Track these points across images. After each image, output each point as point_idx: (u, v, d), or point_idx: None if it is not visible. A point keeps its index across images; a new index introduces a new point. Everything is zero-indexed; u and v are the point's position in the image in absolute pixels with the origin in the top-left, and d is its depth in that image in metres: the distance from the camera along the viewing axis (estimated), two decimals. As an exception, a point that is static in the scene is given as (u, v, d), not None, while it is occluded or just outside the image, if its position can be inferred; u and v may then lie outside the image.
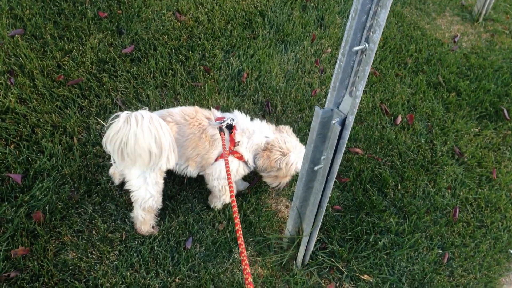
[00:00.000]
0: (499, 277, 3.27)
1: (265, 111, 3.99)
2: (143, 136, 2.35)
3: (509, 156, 4.16)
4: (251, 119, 3.04)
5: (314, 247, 3.03)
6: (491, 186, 3.83)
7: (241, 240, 1.90)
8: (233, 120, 2.86)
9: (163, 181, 2.80)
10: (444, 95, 4.61)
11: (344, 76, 2.17)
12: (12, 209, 2.80)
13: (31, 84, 3.53)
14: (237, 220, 2.04)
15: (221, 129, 2.80)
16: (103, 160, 3.21)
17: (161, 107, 3.68)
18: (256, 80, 4.20)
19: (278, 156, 2.91)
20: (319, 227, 2.82)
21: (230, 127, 2.84)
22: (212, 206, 3.14)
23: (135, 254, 2.81)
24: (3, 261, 2.58)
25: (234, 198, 2.23)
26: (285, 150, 2.92)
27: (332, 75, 4.41)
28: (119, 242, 2.85)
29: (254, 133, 2.93)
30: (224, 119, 2.83)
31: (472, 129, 4.32)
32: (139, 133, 2.34)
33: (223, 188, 2.98)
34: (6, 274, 2.54)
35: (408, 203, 3.51)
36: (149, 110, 3.56)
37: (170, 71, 4.01)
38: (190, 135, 2.77)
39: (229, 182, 2.40)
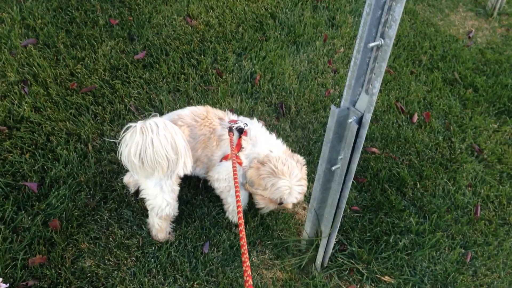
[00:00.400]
0: (524, 276, 3.19)
1: (279, 113, 3.96)
2: (161, 144, 2.32)
3: (530, 152, 4.07)
4: (270, 132, 2.92)
5: (333, 249, 2.97)
6: (513, 183, 3.74)
7: (244, 249, 1.84)
8: (246, 125, 2.78)
9: (179, 188, 2.78)
10: (460, 92, 4.53)
11: (360, 73, 2.13)
12: (29, 218, 2.80)
13: (45, 92, 3.54)
14: (242, 227, 1.95)
15: (230, 130, 2.72)
16: (118, 167, 3.20)
17: (175, 112, 3.67)
18: (269, 82, 4.18)
19: (267, 173, 2.68)
20: (337, 228, 2.77)
21: (241, 131, 2.76)
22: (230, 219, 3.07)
23: (152, 260, 2.79)
24: (21, 270, 2.58)
25: (240, 204, 2.15)
26: (279, 172, 2.67)
27: (345, 75, 4.38)
28: (136, 248, 2.83)
29: (260, 143, 2.79)
30: (238, 122, 2.78)
31: (490, 125, 4.24)
32: (156, 141, 2.31)
33: (225, 189, 2.88)
34: (24, 283, 2.53)
35: (428, 202, 3.44)
36: (162, 115, 3.59)
37: (182, 75, 4.00)
38: (201, 136, 2.75)
39: (236, 185, 2.32)
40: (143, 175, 2.50)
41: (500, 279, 3.11)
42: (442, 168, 3.73)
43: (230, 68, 4.19)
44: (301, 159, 2.84)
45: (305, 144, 3.71)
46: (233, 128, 2.73)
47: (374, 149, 3.78)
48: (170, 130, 2.38)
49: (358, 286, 2.93)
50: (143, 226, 2.93)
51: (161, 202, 2.69)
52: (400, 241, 3.15)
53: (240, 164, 2.76)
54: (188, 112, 2.80)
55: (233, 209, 2.97)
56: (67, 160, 3.14)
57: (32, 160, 3.09)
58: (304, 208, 3.29)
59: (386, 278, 2.97)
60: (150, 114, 3.54)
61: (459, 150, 3.91)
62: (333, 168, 2.48)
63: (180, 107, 3.70)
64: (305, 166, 2.86)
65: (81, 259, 2.72)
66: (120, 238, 2.85)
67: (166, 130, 2.36)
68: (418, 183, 3.58)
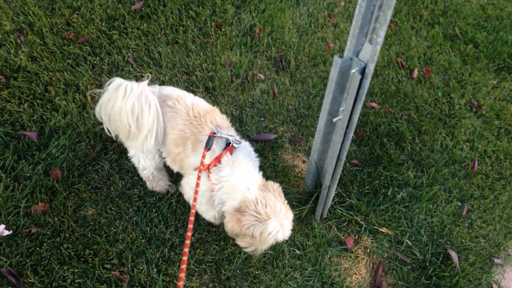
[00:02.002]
0: (518, 228, 3.26)
1: (279, 67, 3.92)
2: (125, 111, 2.24)
3: (529, 108, 4.08)
4: (254, 159, 2.46)
5: (332, 201, 3.01)
6: (510, 138, 3.76)
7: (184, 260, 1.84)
8: (239, 143, 2.38)
9: (160, 159, 2.66)
10: (461, 48, 4.49)
11: (364, 22, 2.09)
12: (30, 167, 2.79)
13: (41, 42, 3.47)
14: (188, 241, 1.91)
15: (210, 138, 2.33)
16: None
17: (174, 65, 3.62)
18: (269, 35, 4.11)
19: (251, 222, 2.22)
20: (337, 180, 2.79)
21: (228, 145, 2.37)
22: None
23: (153, 209, 2.81)
24: (23, 218, 2.60)
25: (192, 219, 2.02)
26: (263, 216, 2.21)
27: (345, 29, 4.32)
28: (137, 198, 2.84)
29: (239, 174, 2.31)
30: (231, 136, 2.40)
31: (490, 82, 4.23)
32: (122, 107, 2.24)
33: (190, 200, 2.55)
34: (27, 230, 2.55)
35: (426, 157, 3.46)
36: (162, 68, 3.54)
37: (181, 27, 3.92)
38: (179, 132, 2.40)
39: (194, 200, 2.14)
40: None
41: (496, 231, 3.17)
42: (440, 123, 3.74)
43: (229, 20, 4.11)
44: (276, 187, 2.38)
45: (305, 99, 3.69)
46: (219, 135, 2.37)
47: (373, 104, 3.77)
48: (142, 102, 2.25)
49: (356, 237, 2.98)
50: (144, 176, 2.94)
51: (139, 165, 2.67)
52: (398, 194, 3.18)
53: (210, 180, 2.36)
54: (189, 102, 2.45)
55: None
56: (66, 111, 3.11)
57: (31, 110, 3.06)
58: (304, 161, 3.31)
59: (384, 230, 3.03)
60: (149, 71, 3.50)
61: (458, 105, 3.92)
62: (335, 119, 2.47)
63: (179, 60, 3.65)
64: (280, 188, 2.42)
65: (83, 208, 2.74)
66: (121, 188, 2.86)
67: (138, 100, 2.24)
68: (416, 137, 3.59)
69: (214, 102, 3.47)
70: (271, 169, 3.17)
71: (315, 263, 2.79)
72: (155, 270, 2.57)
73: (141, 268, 2.56)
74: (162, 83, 3.47)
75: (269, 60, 3.95)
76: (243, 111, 3.46)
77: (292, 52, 4.03)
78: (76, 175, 2.85)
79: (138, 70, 3.52)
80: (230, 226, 2.31)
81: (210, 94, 3.53)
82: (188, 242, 1.91)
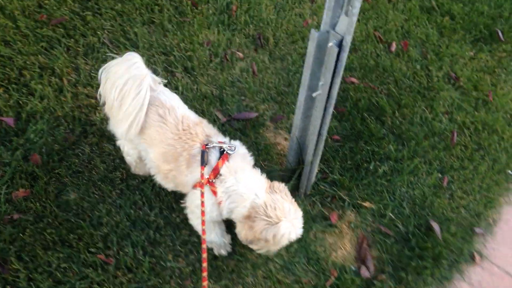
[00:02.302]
0: (498, 198, 3.33)
1: (257, 44, 3.88)
2: (117, 83, 2.22)
3: (505, 78, 4.14)
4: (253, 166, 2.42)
5: (315, 177, 3.03)
6: (488, 109, 3.83)
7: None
8: (234, 148, 2.30)
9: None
10: (437, 20, 4.51)
11: (340, -6, 2.08)
12: (8, 152, 2.74)
13: (14, 25, 3.37)
14: (205, 274, 1.95)
15: (203, 153, 2.24)
16: (96, 101, 3.12)
17: (151, 45, 3.56)
18: (246, 13, 4.06)
19: (263, 226, 2.21)
20: (319, 156, 2.81)
21: (222, 152, 2.29)
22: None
23: (137, 192, 2.79)
24: (4, 204, 2.55)
25: (205, 246, 2.01)
26: (274, 219, 2.19)
27: (323, 4, 4.27)
28: (120, 181, 2.82)
29: (245, 181, 2.25)
30: (224, 143, 2.32)
31: (467, 53, 4.27)
32: (117, 78, 2.22)
33: (197, 226, 2.50)
34: (9, 216, 2.52)
35: (406, 130, 3.50)
36: (139, 49, 3.49)
37: (156, 6, 3.85)
38: (169, 147, 2.29)
39: (202, 214, 2.13)
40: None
41: (476, 201, 3.24)
42: (419, 96, 3.78)
43: (205, -2, 4.05)
44: (282, 187, 2.36)
45: (285, 76, 3.68)
46: (211, 145, 2.27)
47: (353, 79, 3.78)
48: (133, 86, 2.21)
49: (340, 212, 3.01)
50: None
51: (123, 149, 2.64)
52: (380, 168, 3.22)
53: (215, 194, 2.27)
54: (180, 112, 2.35)
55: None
56: (43, 95, 3.04)
57: (7, 95, 2.99)
58: (286, 139, 3.31)
59: (367, 204, 3.06)
60: (126, 48, 3.44)
61: (436, 78, 3.95)
62: (314, 94, 2.46)
63: (156, 40, 3.59)
64: (286, 188, 2.39)
65: (65, 193, 2.70)
66: (103, 172, 2.83)
67: (132, 80, 2.21)
68: (396, 111, 3.62)
69: (194, 82, 3.43)
70: (253, 147, 3.16)
71: (300, 240, 2.81)
72: (141, 252, 2.56)
73: (127, 250, 2.55)
74: (140, 64, 3.41)
75: (247, 38, 3.91)
76: (223, 90, 3.44)
77: (270, 29, 4.00)
78: (56, 159, 2.80)
79: (115, 51, 3.45)
80: (244, 235, 2.30)
81: (189, 74, 3.48)
82: (205, 274, 1.93)
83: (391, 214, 3.02)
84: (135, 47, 3.53)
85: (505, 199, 3.35)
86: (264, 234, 2.21)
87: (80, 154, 2.88)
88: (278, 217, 2.19)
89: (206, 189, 2.24)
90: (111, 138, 2.97)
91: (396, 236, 2.95)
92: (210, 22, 3.89)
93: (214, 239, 2.54)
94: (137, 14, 3.76)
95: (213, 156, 2.26)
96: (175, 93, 2.46)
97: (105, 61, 3.33)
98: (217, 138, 2.37)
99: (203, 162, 2.21)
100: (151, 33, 3.69)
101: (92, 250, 2.52)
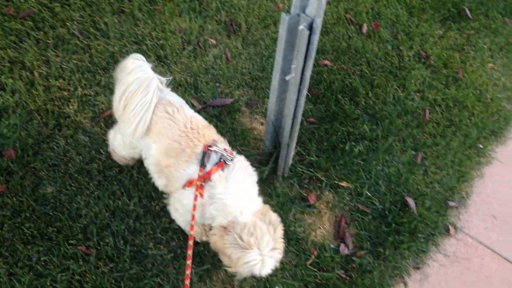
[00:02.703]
0: (470, 171, 3.42)
1: (230, 30, 3.88)
2: (125, 84, 2.21)
3: (474, 55, 4.23)
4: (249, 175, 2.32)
5: (292, 160, 3.07)
6: (458, 86, 3.91)
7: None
8: (232, 159, 2.24)
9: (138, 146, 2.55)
10: (407, 0, 4.57)
11: (308, -23, 2.10)
12: (-19, 149, 2.71)
13: (-21, 19, 3.30)
14: (188, 272, 1.93)
15: (205, 154, 2.21)
16: (69, 93, 3.09)
17: (122, 35, 3.52)
18: (217, -1, 4.05)
19: (231, 244, 2.11)
20: (295, 138, 2.84)
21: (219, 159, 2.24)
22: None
23: (115, 182, 2.78)
24: (-21, 201, 2.53)
25: (191, 243, 1.98)
26: (244, 244, 2.07)
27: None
28: (97, 173, 2.80)
29: (234, 194, 2.18)
30: (226, 152, 2.26)
31: (436, 32, 4.34)
32: (124, 79, 2.22)
33: (182, 223, 2.49)
34: (-15, 213, 2.49)
35: (380, 110, 3.56)
36: (110, 39, 3.45)
37: (126, -5, 3.81)
38: (174, 143, 2.26)
39: (191, 229, 2.08)
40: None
41: (449, 176, 3.32)
42: (391, 76, 3.83)
43: (175, -14, 4.01)
44: (274, 219, 2.22)
45: (258, 61, 3.69)
46: (214, 149, 2.24)
47: (326, 62, 3.81)
48: (141, 88, 2.19)
49: (318, 193, 3.06)
50: (101, 150, 2.89)
51: (113, 141, 2.62)
52: (355, 148, 3.27)
53: (201, 196, 2.21)
54: (187, 113, 2.33)
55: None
56: (14, 89, 3.00)
57: (-25, 91, 2.94)
58: (262, 123, 3.33)
59: (344, 184, 3.12)
60: (96, 43, 3.40)
61: (407, 57, 4.01)
62: (287, 77, 2.49)
63: (127, 30, 3.56)
64: (281, 225, 2.26)
65: (41, 186, 2.68)
66: (79, 164, 2.81)
67: (138, 82, 2.19)
68: (370, 92, 3.67)
69: (167, 70, 3.42)
70: (230, 133, 3.18)
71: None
72: (121, 241, 2.57)
73: (107, 241, 2.55)
74: (112, 54, 3.38)
75: (219, 24, 3.90)
76: (198, 78, 3.44)
77: (242, 15, 4.00)
78: (30, 154, 2.77)
79: (85, 42, 3.41)
80: (213, 240, 2.22)
81: (163, 63, 3.47)
82: (188, 272, 1.92)
83: (367, 192, 3.08)
84: (106, 37, 3.49)
85: (477, 172, 3.45)
86: (230, 251, 2.11)
87: (55, 147, 2.85)
88: (250, 245, 2.06)
89: (192, 190, 2.21)
90: (86, 130, 2.96)
91: (373, 213, 3.02)
92: (181, 10, 3.87)
93: (197, 229, 2.56)
94: (107, 4, 3.72)
95: (211, 161, 2.22)
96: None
97: (76, 52, 3.33)
98: (223, 146, 2.32)
99: (203, 163, 2.19)
100: (121, 22, 3.65)
101: (72, 242, 2.51)
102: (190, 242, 2.02)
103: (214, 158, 2.23)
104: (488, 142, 3.64)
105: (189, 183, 2.22)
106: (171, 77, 2.45)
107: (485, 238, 3.08)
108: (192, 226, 2.08)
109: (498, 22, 4.63)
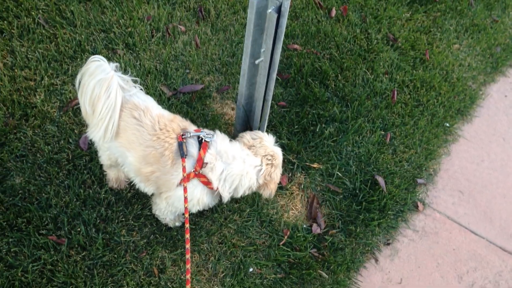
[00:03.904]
0: (437, 149, 3.51)
1: (199, 17, 3.86)
2: (85, 90, 2.15)
3: (440, 37, 4.30)
4: (230, 140, 2.39)
5: (263, 143, 3.08)
6: (425, 67, 3.98)
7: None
8: (211, 136, 2.29)
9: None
10: (375, -16, 4.62)
11: (275, -41, 2.11)
12: None
13: None
14: (188, 256, 1.97)
15: (181, 144, 2.21)
16: (35, 83, 3.05)
17: (89, 23, 3.48)
18: (185, -14, 4.02)
19: (278, 172, 2.43)
20: (266, 121, 2.86)
21: (200, 142, 2.27)
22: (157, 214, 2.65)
23: (85, 171, 2.76)
24: None
25: (188, 247, 2.00)
26: (275, 161, 2.39)
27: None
28: (66, 162, 2.78)
29: (235, 160, 2.28)
30: (201, 132, 2.29)
31: (404, 15, 4.40)
32: (85, 84, 2.16)
33: (169, 214, 2.54)
34: (-48, 206, 2.45)
35: (349, 92, 3.60)
36: (76, 27, 3.41)
37: (91, -17, 3.75)
38: (150, 148, 2.22)
39: (185, 211, 2.12)
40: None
41: (417, 154, 3.40)
42: (360, 59, 3.88)
43: (142, -27, 3.97)
44: (248, 136, 2.44)
45: (228, 47, 3.68)
46: (188, 135, 2.25)
47: (296, 46, 3.83)
48: (102, 90, 2.13)
49: (290, 175, 3.09)
50: (70, 139, 2.86)
51: (99, 152, 2.55)
52: (326, 130, 3.31)
53: (207, 184, 2.27)
54: (154, 113, 2.27)
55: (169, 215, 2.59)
56: (-23, 80, 2.95)
57: None
58: (233, 108, 3.34)
59: (315, 165, 3.16)
60: (63, 27, 3.35)
61: (376, 40, 4.06)
62: (257, 61, 2.50)
63: (94, 18, 3.51)
64: (249, 132, 2.48)
65: (9, 178, 2.65)
66: (48, 154, 2.78)
67: (99, 85, 2.13)
68: (339, 74, 3.71)
69: (136, 58, 3.39)
70: (200, 119, 3.18)
71: (252, 204, 2.88)
72: (93, 230, 2.56)
73: (79, 229, 2.54)
74: (79, 43, 3.34)
75: (188, 11, 3.88)
76: (167, 65, 3.42)
77: (211, 1, 3.98)
78: (-3, 145, 2.74)
79: (51, 31, 3.36)
80: (273, 190, 2.43)
81: (131, 51, 3.44)
82: (188, 276, 1.94)
83: (338, 173, 3.13)
84: (73, 26, 3.44)
85: (444, 150, 3.54)
86: (279, 173, 2.44)
87: (22, 137, 2.81)
88: (275, 157, 2.39)
89: (196, 182, 2.24)
90: (54, 120, 2.93)
91: (344, 193, 3.07)
92: (149, -3, 3.84)
93: (171, 217, 2.57)
94: (72, -7, 3.66)
95: (194, 147, 2.24)
96: (120, 71, 2.38)
97: (41, 41, 3.28)
98: (192, 128, 2.34)
99: (183, 154, 2.18)
100: (88, 10, 3.60)
101: (43, 232, 2.50)
102: (187, 225, 2.06)
103: (194, 143, 2.25)
104: (454, 120, 3.73)
105: (185, 179, 2.20)
106: (137, 80, 2.37)
107: (452, 213, 3.17)
108: (186, 218, 2.10)
109: (463, 3, 4.72)
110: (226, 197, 2.34)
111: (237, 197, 2.42)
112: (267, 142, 2.40)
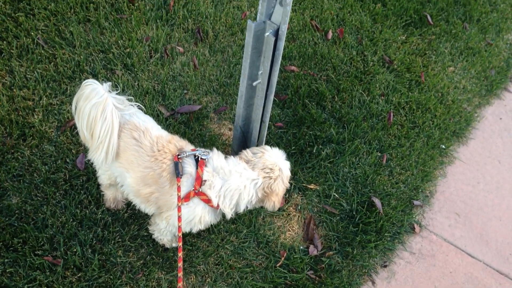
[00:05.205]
0: (433, 171, 3.52)
1: (197, 38, 3.91)
2: (82, 115, 2.18)
3: (435, 59, 4.36)
4: (225, 157, 2.40)
5: (260, 163, 3.09)
6: (421, 89, 4.02)
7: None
8: (207, 153, 2.32)
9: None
10: (370, 7, 4.68)
11: (273, -15, 2.15)
12: None
13: None
14: (180, 274, 1.99)
15: (177, 164, 2.23)
16: (33, 103, 3.06)
17: (88, 44, 3.51)
18: (184, 7, 4.07)
19: (281, 185, 2.38)
20: (264, 142, 2.88)
21: (197, 160, 2.29)
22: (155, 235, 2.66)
23: (82, 191, 2.76)
24: None
25: (180, 254, 2.02)
26: (276, 173, 2.34)
27: (260, -4, 4.36)
28: (63, 182, 2.78)
29: (231, 174, 2.29)
30: (197, 150, 2.32)
31: (399, 37, 4.46)
32: (81, 109, 2.18)
33: (168, 234, 2.55)
34: None
35: (346, 113, 3.63)
36: (75, 48, 3.43)
37: (91, 4, 3.79)
38: (148, 169, 2.24)
39: (179, 230, 2.11)
40: None
41: (413, 175, 3.41)
42: (357, 81, 3.92)
43: (141, -6, 4.02)
44: (247, 153, 2.42)
45: (226, 68, 3.72)
46: (184, 155, 2.27)
47: (293, 67, 3.87)
48: (98, 113, 2.15)
49: (287, 195, 3.09)
50: (67, 159, 2.87)
51: (99, 172, 2.56)
52: (323, 151, 3.33)
53: (208, 202, 2.27)
54: (153, 134, 2.30)
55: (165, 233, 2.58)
56: (-24, 100, 2.96)
57: None
58: (230, 129, 3.36)
59: (312, 186, 3.17)
60: (62, 47, 3.38)
61: (372, 62, 4.11)
62: (255, 83, 2.54)
63: (93, 38, 3.54)
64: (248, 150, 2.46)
65: (6, 197, 2.64)
66: (45, 174, 2.78)
67: (94, 109, 2.14)
68: (336, 96, 3.75)
69: (135, 78, 3.42)
70: (198, 139, 3.20)
71: (249, 225, 2.88)
72: (89, 250, 2.55)
73: (75, 250, 2.53)
74: (78, 63, 3.36)
75: (186, 32, 3.93)
76: (165, 85, 3.44)
77: (209, 23, 4.03)
78: (-6, 165, 2.73)
79: (50, 51, 3.38)
80: (277, 203, 2.39)
81: (130, 71, 3.47)
82: (180, 284, 1.95)
83: (335, 194, 3.14)
84: (72, 46, 3.47)
85: (440, 172, 3.55)
86: (282, 186, 2.38)
87: (19, 157, 2.81)
88: (275, 169, 2.33)
89: (197, 200, 2.26)
90: (51, 139, 2.93)
91: (341, 214, 3.07)
92: (148, 18, 3.88)
93: (169, 237, 2.57)
94: (72, 13, 3.70)
95: (191, 166, 2.26)
96: (115, 90, 2.41)
97: (40, 62, 3.30)
98: (189, 147, 2.37)
99: (178, 174, 2.20)
100: (87, 31, 3.64)
101: (39, 252, 2.48)
102: (180, 244, 2.06)
103: (191, 162, 2.26)
104: (450, 142, 3.76)
105: (186, 198, 2.23)
106: (131, 98, 2.38)
107: (449, 235, 3.17)
108: (180, 237, 2.09)
109: (458, 27, 4.79)
110: (228, 213, 2.34)
111: (239, 212, 2.41)
112: (268, 155, 2.37)
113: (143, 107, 2.46)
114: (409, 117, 3.77)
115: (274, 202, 2.37)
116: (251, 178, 2.30)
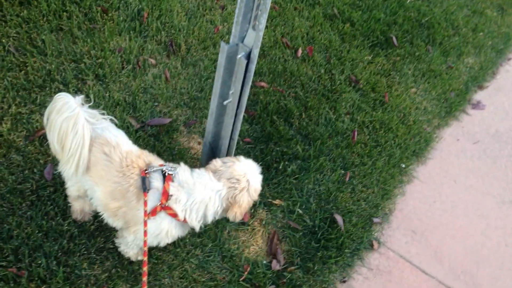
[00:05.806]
0: (393, 189, 3.68)
1: (169, 51, 3.96)
2: (53, 128, 2.20)
3: (399, 80, 4.55)
4: (192, 170, 2.42)
5: (228, 178, 3.17)
6: (384, 109, 4.19)
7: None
8: (174, 169, 2.34)
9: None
10: (339, 26, 4.84)
11: (247, 10, 2.24)
12: None
13: None
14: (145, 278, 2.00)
15: (144, 179, 2.25)
16: (2, 111, 3.06)
17: (60, 52, 3.52)
18: (158, 19, 4.12)
19: (246, 196, 2.38)
20: (231, 158, 2.95)
21: (164, 176, 2.31)
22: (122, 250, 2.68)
23: (49, 202, 2.77)
24: None
25: (145, 269, 2.03)
26: (242, 184, 2.35)
27: (233, 11, 4.44)
28: (30, 193, 2.78)
29: (198, 188, 2.30)
30: (164, 166, 2.34)
31: (365, 57, 4.63)
32: (52, 122, 2.21)
33: (135, 247, 2.58)
34: None
35: (312, 130, 3.75)
36: (47, 56, 3.44)
37: (64, 13, 3.80)
38: (116, 184, 2.27)
39: (144, 245, 2.14)
40: None
41: (374, 193, 3.56)
42: (324, 99, 4.05)
43: (115, 5, 4.04)
44: (216, 163, 2.44)
45: (197, 81, 3.79)
46: (151, 170, 2.29)
47: (262, 83, 3.97)
48: (69, 127, 2.17)
49: (252, 210, 3.18)
50: (35, 170, 2.87)
51: (68, 183, 2.58)
52: (289, 167, 3.43)
53: (175, 216, 2.29)
54: (124, 149, 2.32)
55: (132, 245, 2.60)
56: None
57: None
58: (199, 143, 3.43)
59: (277, 201, 3.26)
60: (33, 56, 3.38)
61: (339, 81, 4.26)
62: (225, 102, 2.62)
63: (65, 47, 3.55)
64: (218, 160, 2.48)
65: (-29, 208, 2.64)
66: (12, 184, 2.78)
67: (66, 122, 2.16)
68: (303, 113, 3.87)
69: (106, 89, 3.45)
70: (167, 152, 3.25)
71: (214, 239, 2.95)
72: (54, 262, 2.57)
73: (40, 262, 2.54)
74: (49, 72, 3.37)
75: (159, 44, 3.98)
76: (136, 97, 3.48)
77: (182, 36, 4.09)
78: (-41, 174, 2.72)
79: (21, 59, 3.38)
80: (239, 214, 2.40)
81: (101, 81, 3.49)
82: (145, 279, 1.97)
83: (299, 210, 3.25)
84: (43, 55, 3.47)
85: (399, 190, 3.71)
86: (248, 198, 2.39)
87: (-14, 167, 2.81)
88: (242, 180, 2.35)
89: (163, 215, 2.28)
90: (19, 149, 2.94)
91: (304, 230, 3.18)
92: (121, 29, 3.91)
93: (135, 250, 2.61)
94: (44, 21, 3.69)
95: (158, 181, 2.28)
96: (88, 103, 2.43)
97: (11, 69, 3.29)
98: (158, 162, 2.39)
99: (145, 188, 2.22)
100: (59, 40, 3.64)
101: (3, 264, 2.49)
102: (145, 258, 2.08)
103: (158, 177, 2.29)
104: (410, 162, 3.93)
105: (152, 213, 2.25)
106: (104, 112, 2.40)
107: (405, 252, 3.32)
108: (145, 251, 2.12)
109: (421, 49, 5.00)
110: (196, 226, 2.37)
111: (208, 224, 2.45)
112: (239, 166, 2.39)
113: (116, 121, 2.50)
114: (372, 136, 3.92)
115: (236, 213, 2.39)
116: (216, 189, 2.33)
